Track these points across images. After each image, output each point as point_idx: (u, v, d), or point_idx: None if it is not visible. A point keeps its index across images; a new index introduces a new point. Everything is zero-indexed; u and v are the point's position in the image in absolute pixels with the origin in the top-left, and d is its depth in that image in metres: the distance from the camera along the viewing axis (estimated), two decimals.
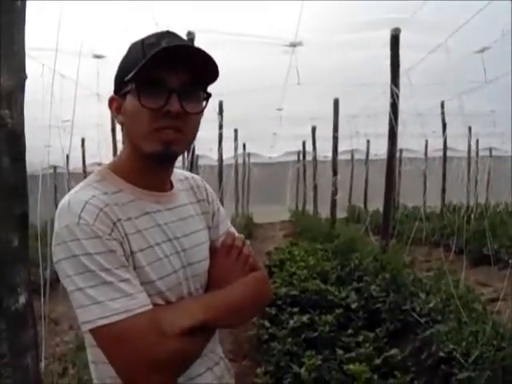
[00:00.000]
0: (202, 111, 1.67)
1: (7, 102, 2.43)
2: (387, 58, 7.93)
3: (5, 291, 2.47)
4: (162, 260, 1.63)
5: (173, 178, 1.81)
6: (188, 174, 1.99)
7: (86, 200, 1.52)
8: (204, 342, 1.64)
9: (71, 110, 4.40)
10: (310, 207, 21.52)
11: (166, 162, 1.67)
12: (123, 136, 1.73)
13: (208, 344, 1.68)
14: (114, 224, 1.53)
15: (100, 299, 1.44)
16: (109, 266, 1.47)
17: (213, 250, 1.84)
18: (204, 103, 1.68)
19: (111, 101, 1.69)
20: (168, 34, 1.62)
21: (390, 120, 7.87)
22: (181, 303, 1.63)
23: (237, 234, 1.94)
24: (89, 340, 1.64)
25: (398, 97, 7.75)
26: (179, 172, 1.93)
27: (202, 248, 1.80)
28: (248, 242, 1.88)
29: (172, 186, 1.81)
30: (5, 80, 2.42)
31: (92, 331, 1.47)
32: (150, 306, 1.50)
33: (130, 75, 1.55)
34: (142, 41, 1.62)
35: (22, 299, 2.46)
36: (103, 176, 1.67)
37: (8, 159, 2.41)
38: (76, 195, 1.56)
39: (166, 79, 1.56)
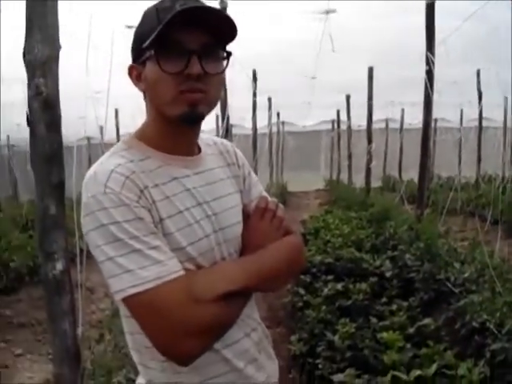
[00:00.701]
0: (223, 71, 1.67)
1: (42, 71, 2.46)
2: (424, 26, 7.83)
3: (43, 258, 2.52)
4: (192, 225, 1.61)
5: (201, 142, 1.81)
6: (217, 139, 1.97)
7: (112, 169, 1.52)
8: (241, 307, 1.62)
9: (105, 80, 4.41)
10: (343, 176, 21.46)
11: (193, 123, 1.66)
12: (146, 103, 1.73)
13: (245, 309, 1.66)
14: (141, 191, 1.53)
15: (130, 267, 1.44)
16: (138, 234, 1.46)
17: (246, 214, 1.83)
18: (225, 63, 1.66)
19: (130, 69, 1.69)
20: None
21: (426, 88, 7.78)
22: (217, 267, 1.63)
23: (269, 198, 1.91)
24: (124, 310, 1.64)
25: (433, 64, 7.65)
26: (207, 137, 1.92)
27: (234, 212, 1.79)
28: (281, 205, 1.86)
29: (200, 150, 1.80)
30: (39, 50, 2.45)
31: (124, 300, 1.48)
32: (182, 272, 1.50)
33: (148, 42, 1.54)
34: (156, 6, 1.60)
35: (60, 266, 2.51)
36: (129, 144, 1.67)
37: (44, 127, 2.45)
38: (101, 165, 1.56)
39: (184, 42, 1.54)
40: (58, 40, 2.53)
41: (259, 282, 1.62)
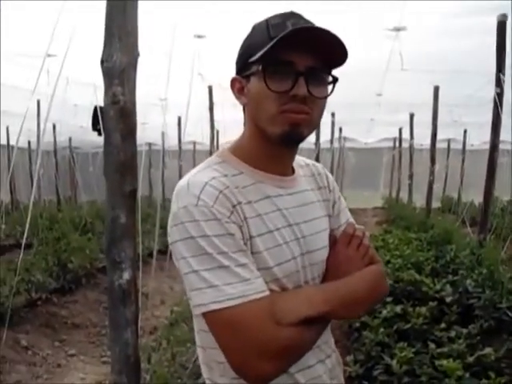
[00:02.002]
0: (328, 95, 1.64)
1: (120, 80, 2.46)
2: (490, 47, 7.68)
3: (110, 266, 2.52)
4: (281, 246, 1.61)
5: (294, 163, 1.79)
6: (308, 160, 1.98)
7: (206, 181, 1.53)
8: (319, 333, 1.62)
9: (173, 89, 4.42)
10: (402, 195, 21.24)
11: (292, 143, 1.66)
12: (244, 117, 1.73)
13: (322, 335, 1.65)
14: (234, 207, 1.53)
15: (215, 283, 1.44)
16: (226, 250, 1.46)
17: (333, 239, 1.82)
18: (330, 87, 1.64)
19: (233, 82, 1.69)
20: (293, 15, 1.59)
21: (496, 110, 7.62)
22: (302, 291, 1.62)
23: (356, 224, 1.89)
24: (198, 324, 1.65)
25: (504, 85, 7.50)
26: (300, 158, 1.90)
27: (322, 236, 1.79)
28: (367, 233, 1.84)
29: (293, 171, 1.80)
30: (118, 57, 2.45)
31: (204, 315, 1.48)
32: (267, 293, 1.50)
33: (257, 56, 1.54)
34: (267, 21, 1.59)
35: (126, 275, 2.50)
36: (224, 158, 1.68)
37: (119, 136, 2.44)
38: (195, 176, 1.58)
39: (293, 62, 1.53)
40: (137, 48, 2.54)
41: (340, 309, 1.60)
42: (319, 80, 1.59)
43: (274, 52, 1.50)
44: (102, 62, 2.47)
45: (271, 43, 1.49)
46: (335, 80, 1.63)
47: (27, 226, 4.21)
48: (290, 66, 1.53)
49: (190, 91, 4.22)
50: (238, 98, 1.69)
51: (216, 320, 1.46)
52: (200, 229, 1.46)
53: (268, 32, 1.55)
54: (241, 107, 1.76)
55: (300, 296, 1.57)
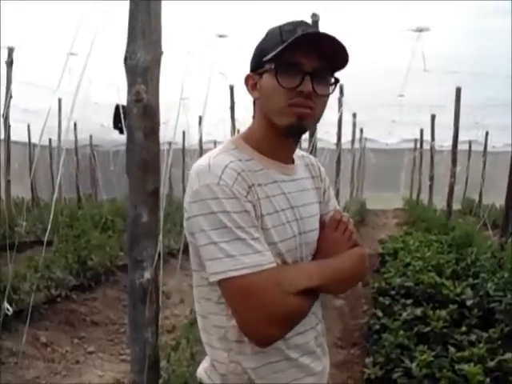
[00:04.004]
0: (330, 94, 1.86)
1: (143, 78, 2.46)
2: None
3: (131, 265, 2.51)
4: (285, 225, 1.83)
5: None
6: (303, 152, 2.20)
7: (226, 164, 1.72)
8: (313, 303, 1.83)
9: (194, 88, 4.43)
10: (423, 196, 21.15)
11: (296, 134, 1.90)
12: (254, 110, 1.93)
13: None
14: (250, 188, 1.73)
15: (233, 253, 1.63)
16: (243, 225, 1.66)
17: (322, 223, 2.04)
18: (332, 87, 1.86)
19: (247, 78, 1.90)
20: (303, 23, 1.81)
21: None
22: (302, 265, 1.87)
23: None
24: (199, 293, 1.88)
25: None
26: (296, 150, 2.07)
27: (315, 219, 2.01)
28: (351, 220, 2.08)
29: (293, 160, 2.01)
30: (142, 55, 2.45)
31: (221, 282, 1.67)
32: (275, 264, 1.71)
33: (270, 56, 1.75)
34: (280, 27, 1.81)
35: (147, 274, 2.50)
36: (237, 145, 1.88)
37: (141, 134, 2.44)
38: (215, 159, 1.76)
39: (301, 63, 1.74)
40: (160, 45, 2.53)
41: (331, 283, 1.83)
42: (323, 80, 1.80)
43: (286, 54, 1.72)
44: (126, 59, 2.47)
45: (283, 45, 1.70)
46: (336, 81, 1.86)
47: (50, 223, 4.22)
48: (299, 66, 1.75)
49: (207, 90, 4.23)
50: (250, 92, 1.89)
51: (232, 286, 1.65)
52: (221, 205, 1.65)
53: (281, 36, 1.76)
54: None
55: (302, 270, 1.82)
